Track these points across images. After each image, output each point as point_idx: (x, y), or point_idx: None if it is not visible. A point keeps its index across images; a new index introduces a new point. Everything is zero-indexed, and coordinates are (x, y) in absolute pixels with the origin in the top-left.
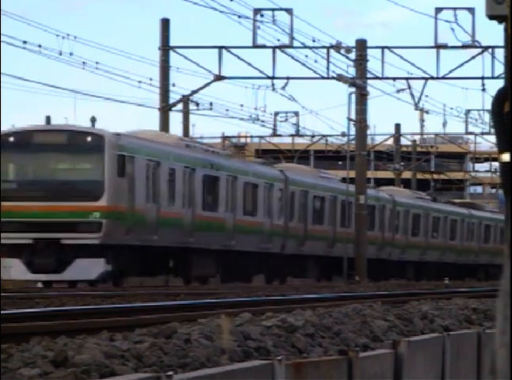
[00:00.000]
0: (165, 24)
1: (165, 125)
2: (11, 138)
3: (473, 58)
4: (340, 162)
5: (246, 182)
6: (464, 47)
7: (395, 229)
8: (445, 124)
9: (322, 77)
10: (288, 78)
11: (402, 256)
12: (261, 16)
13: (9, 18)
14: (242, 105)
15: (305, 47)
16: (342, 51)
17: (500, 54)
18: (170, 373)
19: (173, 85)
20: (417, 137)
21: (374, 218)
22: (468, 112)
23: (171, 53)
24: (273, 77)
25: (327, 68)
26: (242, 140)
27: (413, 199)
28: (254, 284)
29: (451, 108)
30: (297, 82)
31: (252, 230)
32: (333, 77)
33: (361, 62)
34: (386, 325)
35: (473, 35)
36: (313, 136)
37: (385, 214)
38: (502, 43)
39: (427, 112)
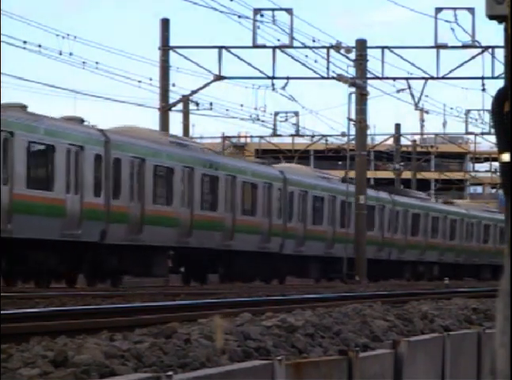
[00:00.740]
0: (165, 24)
1: (165, 125)
2: None
3: (473, 58)
4: (340, 162)
5: (31, 142)
6: (464, 47)
7: (289, 216)
8: (445, 124)
9: (322, 77)
10: (288, 78)
11: (299, 249)
12: (261, 16)
13: (9, 18)
14: (242, 105)
15: (305, 47)
16: (342, 51)
17: (500, 54)
18: (170, 373)
19: (173, 85)
20: (417, 137)
21: (256, 200)
22: (468, 112)
23: (171, 53)
24: (273, 77)
25: (327, 68)
26: (242, 140)
27: (314, 179)
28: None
29: (451, 108)
30: (297, 82)
31: (45, 211)
32: (333, 77)
33: (361, 62)
34: (386, 325)
35: (473, 35)
36: (313, 136)
37: (272, 196)
38: (502, 43)
39: (427, 112)
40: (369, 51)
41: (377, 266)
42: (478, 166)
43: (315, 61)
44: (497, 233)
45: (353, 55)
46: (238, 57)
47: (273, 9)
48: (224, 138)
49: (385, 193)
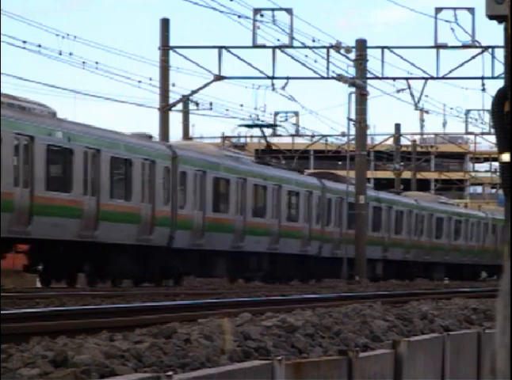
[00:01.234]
0: (165, 24)
1: (165, 125)
2: None
3: (473, 58)
4: (340, 162)
5: None
6: (464, 47)
7: (181, 201)
8: (445, 124)
9: (322, 77)
10: (288, 78)
11: (197, 242)
12: (261, 16)
13: (9, 18)
14: (242, 105)
15: (305, 47)
16: (342, 51)
17: (500, 54)
18: (170, 373)
19: (173, 85)
20: (417, 137)
21: (131, 181)
22: (468, 112)
23: (171, 53)
24: (273, 77)
25: (327, 68)
26: (242, 140)
27: (217, 158)
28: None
29: (451, 108)
30: (297, 82)
31: None
32: (333, 77)
33: (360, 62)
34: (386, 325)
35: (473, 35)
36: (313, 136)
37: (156, 176)
38: (502, 43)
39: (427, 112)
40: (369, 51)
41: (304, 264)
42: (478, 166)
43: (315, 61)
44: (451, 228)
45: (353, 55)
46: (238, 57)
47: (272, 9)
48: (224, 138)
49: (313, 178)
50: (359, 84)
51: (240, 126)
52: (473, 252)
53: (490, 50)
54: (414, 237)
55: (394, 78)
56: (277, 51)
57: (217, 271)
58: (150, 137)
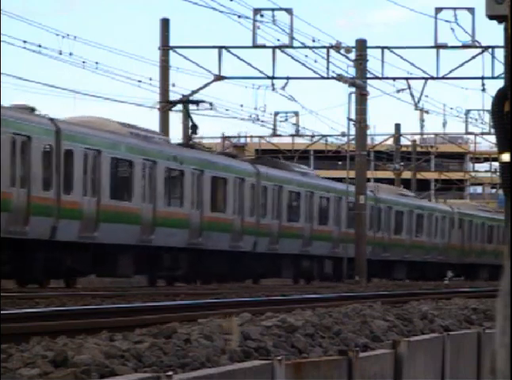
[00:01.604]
0: (165, 24)
1: (165, 125)
2: None
3: (473, 58)
4: (340, 162)
5: None
6: (464, 47)
7: (66, 186)
8: (445, 124)
9: (322, 77)
10: (288, 78)
11: (89, 235)
12: (261, 16)
13: (9, 18)
14: (242, 105)
15: (305, 47)
16: (342, 51)
17: (500, 54)
18: (170, 373)
19: (173, 85)
20: (417, 137)
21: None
22: (468, 112)
23: (171, 53)
24: (273, 77)
25: (327, 68)
26: (242, 140)
27: (118, 136)
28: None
29: (451, 108)
30: (297, 82)
31: None
32: (333, 77)
33: (360, 62)
34: (386, 325)
35: (473, 35)
36: (313, 136)
37: (31, 156)
38: (502, 43)
39: (427, 112)
40: (369, 51)
41: (238, 262)
42: (478, 166)
43: (315, 61)
44: (413, 223)
45: (352, 55)
46: (238, 57)
47: (272, 9)
48: (224, 138)
49: (247, 164)
50: (359, 84)
51: (161, 102)
52: (437, 249)
53: (490, 50)
54: (370, 233)
55: (394, 78)
56: (277, 51)
57: (121, 270)
58: (32, 109)
